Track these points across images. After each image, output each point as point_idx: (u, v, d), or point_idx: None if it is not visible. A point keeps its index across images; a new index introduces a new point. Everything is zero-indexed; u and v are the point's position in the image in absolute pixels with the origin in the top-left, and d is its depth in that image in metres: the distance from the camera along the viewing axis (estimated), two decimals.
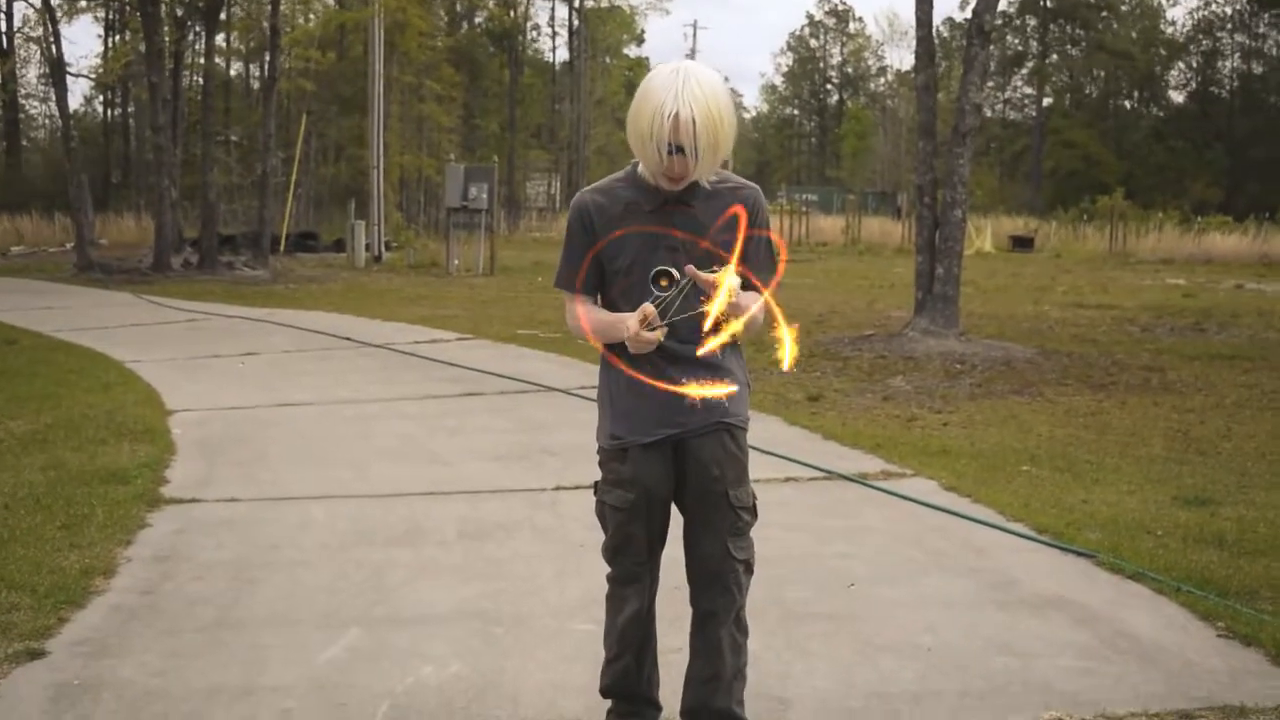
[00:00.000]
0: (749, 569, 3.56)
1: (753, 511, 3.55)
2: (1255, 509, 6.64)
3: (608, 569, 3.62)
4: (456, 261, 27.85)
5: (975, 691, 4.12)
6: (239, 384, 10.94)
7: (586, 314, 3.48)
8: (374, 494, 6.90)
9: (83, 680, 4.14)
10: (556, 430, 8.77)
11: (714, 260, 3.37)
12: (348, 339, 14.18)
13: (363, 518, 6.36)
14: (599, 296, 3.55)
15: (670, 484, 3.52)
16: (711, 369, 3.42)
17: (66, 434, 8.29)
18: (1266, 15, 73.11)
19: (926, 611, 4.93)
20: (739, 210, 3.40)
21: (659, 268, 3.35)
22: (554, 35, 74.92)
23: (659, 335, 3.25)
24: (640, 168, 3.42)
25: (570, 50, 68.22)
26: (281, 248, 31.75)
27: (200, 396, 10.12)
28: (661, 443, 3.47)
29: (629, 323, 3.26)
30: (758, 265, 3.44)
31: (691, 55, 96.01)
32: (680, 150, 3.20)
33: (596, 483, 3.61)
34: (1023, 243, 42.12)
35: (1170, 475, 7.51)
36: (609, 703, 3.71)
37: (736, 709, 3.59)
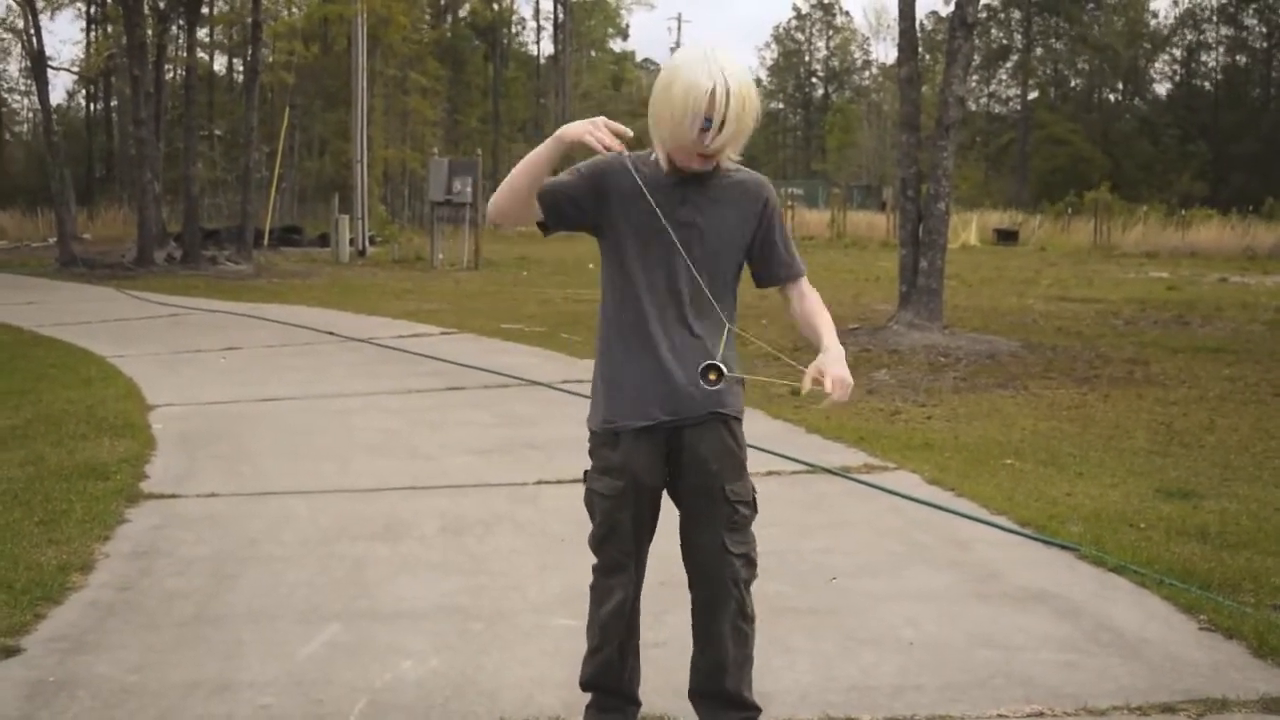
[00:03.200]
0: (749, 563, 3.50)
1: (752, 506, 3.50)
2: (1238, 502, 6.64)
3: (593, 559, 3.57)
4: (441, 256, 27.81)
5: (957, 685, 4.10)
6: (221, 379, 10.89)
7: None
8: (355, 489, 6.87)
9: (58, 677, 4.10)
10: (539, 425, 8.74)
11: (724, 245, 3.40)
12: (331, 333, 14.14)
13: (344, 512, 6.33)
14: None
15: (661, 475, 3.47)
16: (708, 358, 3.40)
17: (46, 429, 8.25)
18: (1251, 7, 73.26)
19: (909, 605, 4.92)
20: (754, 200, 3.46)
21: (708, 362, 3.27)
22: (539, 29, 74.84)
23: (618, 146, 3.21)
24: (658, 156, 3.37)
25: (555, 44, 68.15)
26: (265, 242, 31.71)
27: (182, 391, 10.08)
28: (655, 431, 3.42)
29: (586, 126, 3.22)
30: (784, 257, 3.54)
31: (676, 49, 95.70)
32: (714, 124, 3.18)
33: (586, 471, 3.56)
34: (1007, 236, 42.21)
35: (1153, 468, 7.51)
36: (588, 697, 3.68)
37: (745, 692, 3.58)
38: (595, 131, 3.19)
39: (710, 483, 3.44)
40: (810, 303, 3.56)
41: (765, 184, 3.52)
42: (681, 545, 3.54)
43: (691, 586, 3.57)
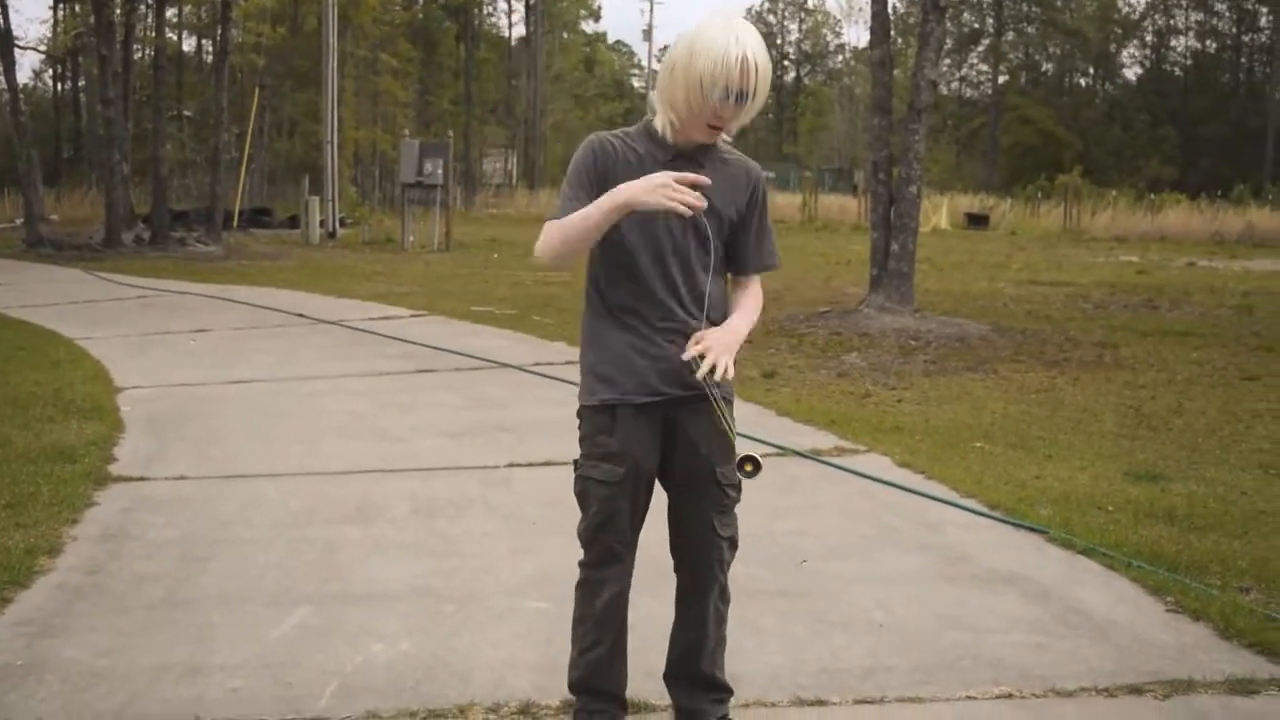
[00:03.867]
0: (733, 545, 3.50)
1: (739, 489, 3.49)
2: (1205, 485, 6.69)
3: (582, 554, 3.47)
4: (411, 238, 27.72)
5: (926, 667, 4.12)
6: (190, 361, 10.83)
7: (562, 221, 3.30)
8: (326, 471, 6.85)
9: (26, 661, 4.07)
10: (510, 407, 8.73)
11: (718, 222, 3.37)
12: (301, 315, 14.08)
13: (314, 495, 6.31)
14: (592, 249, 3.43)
15: (656, 459, 3.43)
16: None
17: (13, 412, 8.18)
18: None
19: (879, 588, 4.93)
20: (746, 184, 3.45)
21: (747, 454, 3.28)
22: (510, 10, 74.58)
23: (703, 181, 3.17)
24: (658, 123, 3.34)
25: (527, 25, 67.91)
26: (235, 224, 31.54)
27: (150, 373, 10.02)
28: (652, 410, 3.37)
29: (659, 179, 3.14)
30: (759, 248, 3.50)
31: (649, 31, 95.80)
32: (741, 95, 3.18)
33: (576, 460, 3.46)
34: (978, 220, 42.35)
35: (1121, 451, 7.56)
36: (563, 683, 3.63)
37: (718, 674, 3.58)
38: (675, 196, 3.11)
39: (701, 465, 3.42)
40: (748, 294, 3.51)
41: (756, 170, 3.51)
42: (670, 527, 3.51)
43: (678, 568, 3.55)
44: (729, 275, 3.53)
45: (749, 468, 3.30)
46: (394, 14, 50.34)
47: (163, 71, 31.21)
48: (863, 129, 62.41)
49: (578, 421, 3.48)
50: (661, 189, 3.12)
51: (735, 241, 3.48)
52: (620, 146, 3.37)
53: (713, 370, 3.20)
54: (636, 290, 3.36)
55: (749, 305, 3.48)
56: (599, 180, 3.31)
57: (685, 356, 3.23)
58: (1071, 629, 4.50)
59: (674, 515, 3.50)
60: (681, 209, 3.12)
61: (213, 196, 28.93)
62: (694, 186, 3.14)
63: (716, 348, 3.22)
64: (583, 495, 3.43)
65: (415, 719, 3.71)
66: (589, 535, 3.44)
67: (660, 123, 3.33)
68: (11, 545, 5.24)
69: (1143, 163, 66.06)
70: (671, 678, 3.63)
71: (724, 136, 3.37)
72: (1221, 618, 4.53)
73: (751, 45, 3.16)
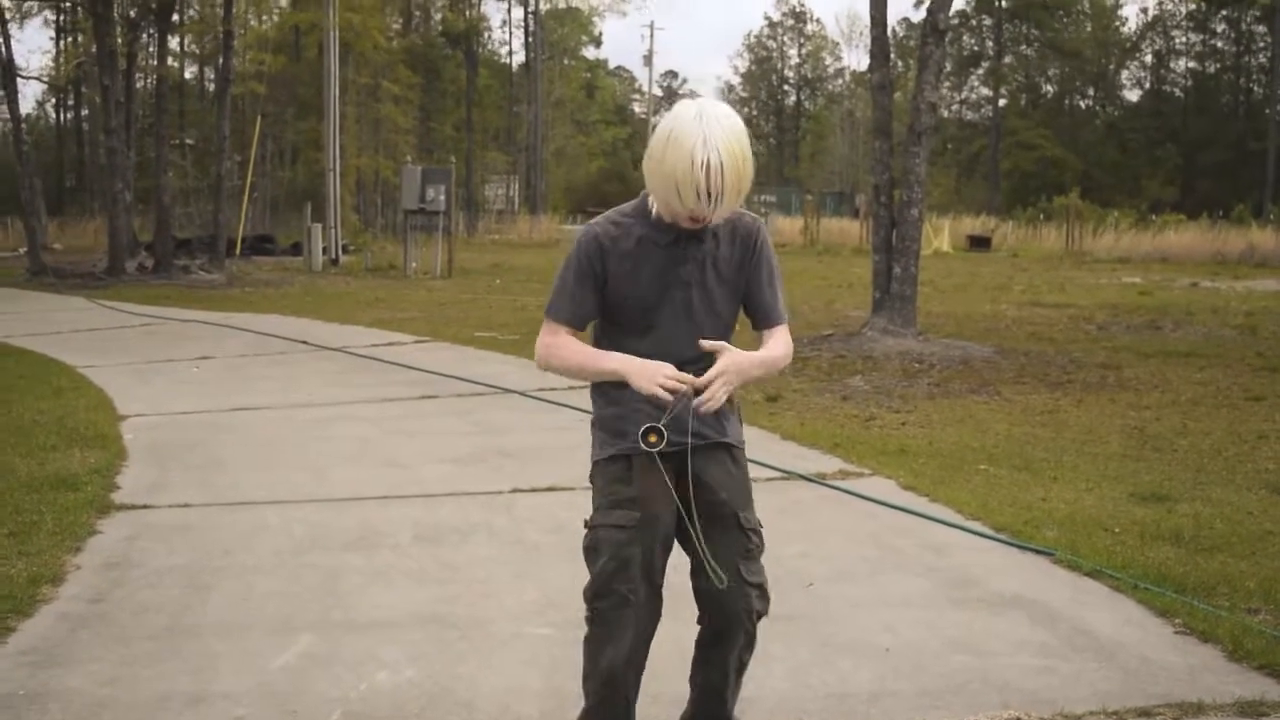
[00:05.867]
0: (763, 594, 3.42)
1: (761, 536, 3.44)
2: (1211, 505, 6.66)
3: (587, 608, 3.37)
4: (414, 264, 27.74)
5: (933, 691, 4.10)
6: (193, 388, 10.83)
7: (572, 345, 3.40)
8: (329, 498, 6.83)
9: (29, 690, 4.06)
10: (514, 433, 8.72)
11: (725, 293, 3.38)
12: (304, 342, 14.08)
13: (317, 522, 6.29)
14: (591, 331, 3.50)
15: (674, 512, 3.33)
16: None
17: (16, 440, 8.17)
18: (1219, 15, 73.78)
19: (885, 611, 4.91)
20: (746, 244, 3.42)
21: (649, 425, 3.24)
22: (509, 37, 74.84)
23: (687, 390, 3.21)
24: (651, 202, 3.34)
25: (527, 52, 68.13)
26: (237, 251, 31.54)
27: (153, 401, 10.01)
28: (665, 461, 3.30)
29: (658, 371, 3.22)
30: (765, 301, 3.47)
31: (649, 57, 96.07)
32: (709, 197, 3.14)
33: (586, 519, 3.38)
34: (980, 242, 42.35)
35: (1127, 472, 7.54)
36: (566, 704, 3.62)
37: (732, 713, 3.57)
38: (660, 393, 3.19)
39: (722, 510, 3.37)
40: (777, 340, 3.48)
41: (756, 226, 3.46)
42: (693, 579, 3.41)
43: (703, 617, 3.46)
44: (758, 332, 3.52)
45: (653, 439, 3.22)
46: (395, 40, 50.49)
47: (165, 100, 31.28)
48: (864, 152, 62.52)
49: (592, 483, 3.45)
50: (654, 381, 3.21)
51: (751, 293, 3.46)
52: (618, 235, 3.37)
53: (660, 438, 3.20)
54: (640, 350, 3.33)
55: (777, 347, 3.45)
56: (600, 277, 3.36)
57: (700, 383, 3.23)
58: (1079, 651, 4.48)
59: (697, 566, 3.38)
60: (664, 396, 3.19)
61: (215, 224, 28.95)
62: (678, 391, 3.19)
63: (722, 374, 3.21)
64: (593, 548, 3.34)
65: None
66: (598, 587, 3.32)
67: (657, 205, 3.33)
68: (15, 574, 5.23)
69: (1144, 183, 66.10)
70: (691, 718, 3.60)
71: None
72: (1230, 639, 4.51)
73: (719, 145, 3.11)
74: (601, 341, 3.45)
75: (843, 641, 4.57)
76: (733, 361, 3.24)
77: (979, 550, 5.84)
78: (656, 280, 3.34)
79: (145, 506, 6.56)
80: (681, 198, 3.16)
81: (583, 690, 3.48)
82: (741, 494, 3.42)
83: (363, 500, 6.77)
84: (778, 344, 3.45)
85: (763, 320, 3.48)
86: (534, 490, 6.87)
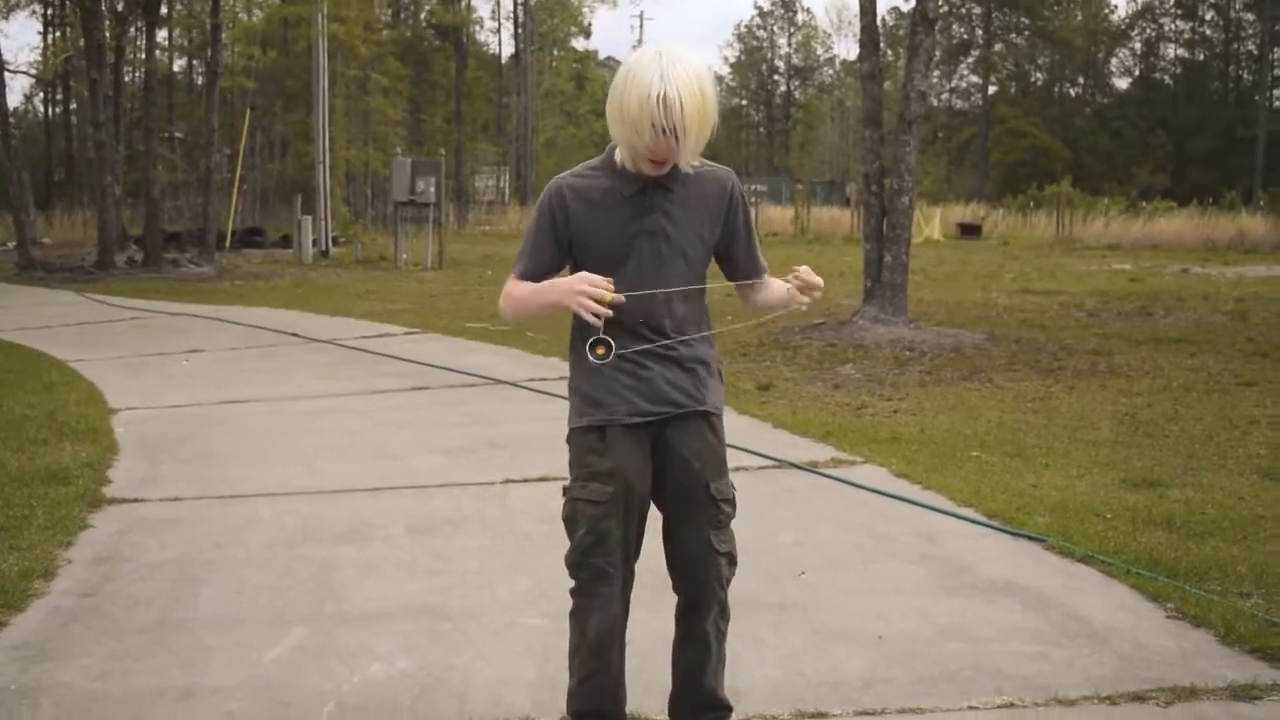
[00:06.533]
0: (732, 561, 3.46)
1: (733, 504, 3.46)
2: (1203, 491, 6.67)
3: (569, 582, 3.42)
4: (404, 256, 27.71)
5: (926, 678, 4.10)
6: (184, 382, 10.81)
7: (522, 287, 3.41)
8: (321, 490, 6.82)
9: (20, 685, 4.05)
10: (505, 424, 8.71)
11: (695, 244, 3.37)
12: (294, 335, 14.05)
13: (309, 515, 6.28)
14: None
15: (649, 480, 3.40)
16: (683, 364, 3.39)
17: (6, 434, 8.15)
18: (1209, 1, 73.86)
19: (877, 599, 4.91)
20: (719, 196, 3.42)
21: (595, 338, 3.25)
22: (499, 28, 74.67)
23: (614, 297, 3.19)
24: (618, 154, 3.34)
25: (516, 43, 68.03)
26: (227, 244, 31.48)
27: (144, 395, 9.99)
28: (640, 430, 3.36)
29: (577, 284, 3.22)
30: (749, 253, 3.51)
31: (637, 46, 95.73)
32: (667, 132, 3.15)
33: (565, 486, 3.43)
34: (971, 230, 42.39)
35: (1118, 458, 7.54)
36: (560, 694, 3.60)
37: (719, 691, 3.55)
38: (583, 302, 3.19)
39: (694, 482, 3.39)
40: (771, 284, 3.54)
41: (729, 178, 3.47)
42: (665, 546, 3.47)
43: (676, 586, 3.50)
44: (739, 288, 3.54)
45: (600, 351, 3.23)
46: (382, 34, 50.37)
47: (153, 93, 31.15)
48: (854, 141, 62.58)
49: (568, 447, 3.47)
50: (575, 295, 3.21)
51: (730, 251, 3.49)
52: (582, 186, 3.38)
53: (608, 351, 3.25)
54: (614, 320, 3.32)
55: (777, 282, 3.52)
56: (563, 227, 3.37)
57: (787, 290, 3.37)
58: (1072, 637, 4.48)
59: (669, 534, 3.47)
60: (588, 316, 3.19)
61: (205, 217, 28.88)
62: (612, 305, 3.19)
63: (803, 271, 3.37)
64: (571, 520, 3.39)
65: None
66: (577, 558, 3.39)
67: (622, 154, 3.33)
68: (6, 569, 5.22)
69: (1134, 171, 66.18)
70: (675, 704, 3.59)
71: (693, 162, 3.36)
72: (1222, 623, 4.52)
73: (677, 80, 3.12)
74: None
75: (835, 629, 4.57)
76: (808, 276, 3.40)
77: (971, 537, 5.85)
78: (622, 230, 3.33)
79: (136, 500, 6.55)
80: (641, 134, 3.16)
81: (569, 667, 3.49)
82: (715, 464, 3.42)
83: (354, 492, 6.76)
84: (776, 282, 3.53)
85: (745, 275, 3.52)
86: (526, 481, 6.86)
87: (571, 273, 3.36)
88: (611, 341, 3.23)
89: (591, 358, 3.25)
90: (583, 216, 3.34)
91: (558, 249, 3.40)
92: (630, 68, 3.20)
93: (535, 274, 3.41)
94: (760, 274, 3.53)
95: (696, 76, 3.16)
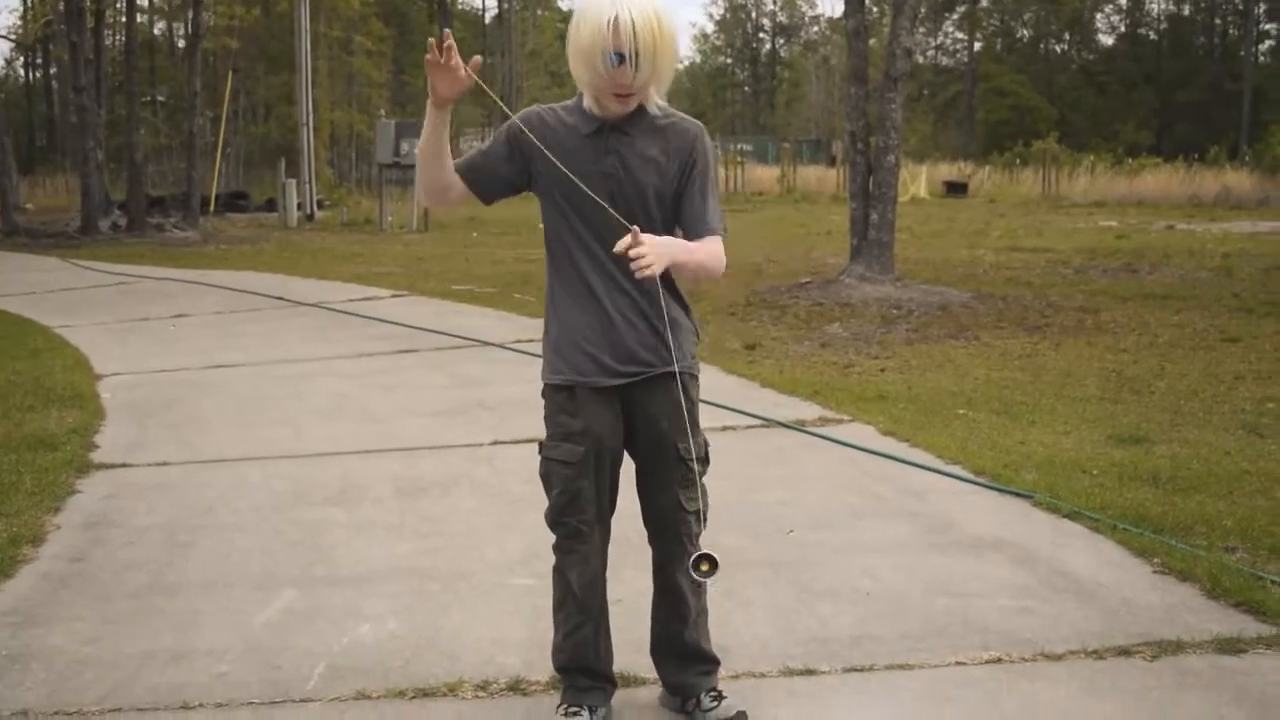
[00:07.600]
0: (699, 518, 3.45)
1: (704, 460, 3.46)
2: (1188, 446, 6.70)
3: (553, 538, 3.47)
4: (390, 218, 27.62)
5: (915, 634, 4.12)
6: (170, 346, 10.78)
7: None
8: (309, 454, 6.82)
9: (10, 651, 4.05)
10: (493, 385, 8.70)
11: (654, 193, 3.32)
12: (280, 299, 14.01)
13: (298, 478, 6.28)
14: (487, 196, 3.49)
15: (620, 435, 3.42)
16: (653, 323, 3.36)
17: None
18: None
19: (865, 556, 4.93)
20: (682, 147, 3.34)
21: (704, 553, 3.22)
22: None
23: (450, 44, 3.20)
24: (585, 99, 3.32)
25: (500, 3, 67.62)
26: (211, 208, 31.33)
27: (130, 360, 9.97)
28: (610, 390, 3.37)
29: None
30: (695, 208, 3.37)
31: None
32: (621, 59, 3.10)
33: (540, 442, 3.45)
34: (957, 188, 42.33)
35: (1105, 415, 7.57)
36: (548, 662, 3.61)
37: (704, 644, 3.58)
38: (431, 60, 3.18)
39: (662, 441, 3.41)
40: (705, 244, 3.36)
41: (697, 130, 3.39)
42: (639, 500, 3.51)
43: (650, 541, 3.54)
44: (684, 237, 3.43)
45: (705, 566, 3.22)
46: None
47: (134, 57, 30.93)
48: (840, 100, 62.36)
49: (542, 401, 3.48)
50: (427, 68, 3.20)
51: (680, 204, 3.38)
52: (549, 117, 3.37)
53: (713, 566, 3.20)
54: (579, 269, 3.35)
55: (703, 246, 3.34)
56: (513, 142, 3.36)
57: (616, 249, 3.12)
58: (1059, 592, 4.51)
59: (641, 489, 3.50)
60: (433, 57, 3.16)
61: (189, 181, 28.75)
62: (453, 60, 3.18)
63: (652, 247, 3.11)
64: (546, 477, 3.43)
65: (404, 698, 3.70)
66: (554, 517, 3.44)
67: (586, 95, 3.31)
68: None
69: (1119, 127, 66.09)
70: (657, 653, 3.62)
71: (658, 102, 3.32)
72: (1208, 578, 4.54)
73: (630, 5, 3.08)
74: (548, 240, 3.45)
75: (824, 587, 4.59)
76: (650, 236, 3.16)
77: (958, 494, 5.87)
78: (577, 169, 3.27)
79: (124, 465, 6.54)
80: (594, 65, 3.14)
81: (554, 621, 3.52)
82: (682, 424, 3.37)
83: (343, 455, 6.76)
84: (706, 244, 3.35)
85: (690, 229, 3.38)
86: (515, 442, 6.86)
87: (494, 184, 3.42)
88: (716, 559, 3.22)
89: (697, 576, 3.25)
90: (543, 139, 3.30)
91: (510, 161, 3.38)
92: (585, 1, 3.17)
93: (476, 165, 3.41)
94: (702, 233, 3.36)
95: (653, 5, 3.12)
